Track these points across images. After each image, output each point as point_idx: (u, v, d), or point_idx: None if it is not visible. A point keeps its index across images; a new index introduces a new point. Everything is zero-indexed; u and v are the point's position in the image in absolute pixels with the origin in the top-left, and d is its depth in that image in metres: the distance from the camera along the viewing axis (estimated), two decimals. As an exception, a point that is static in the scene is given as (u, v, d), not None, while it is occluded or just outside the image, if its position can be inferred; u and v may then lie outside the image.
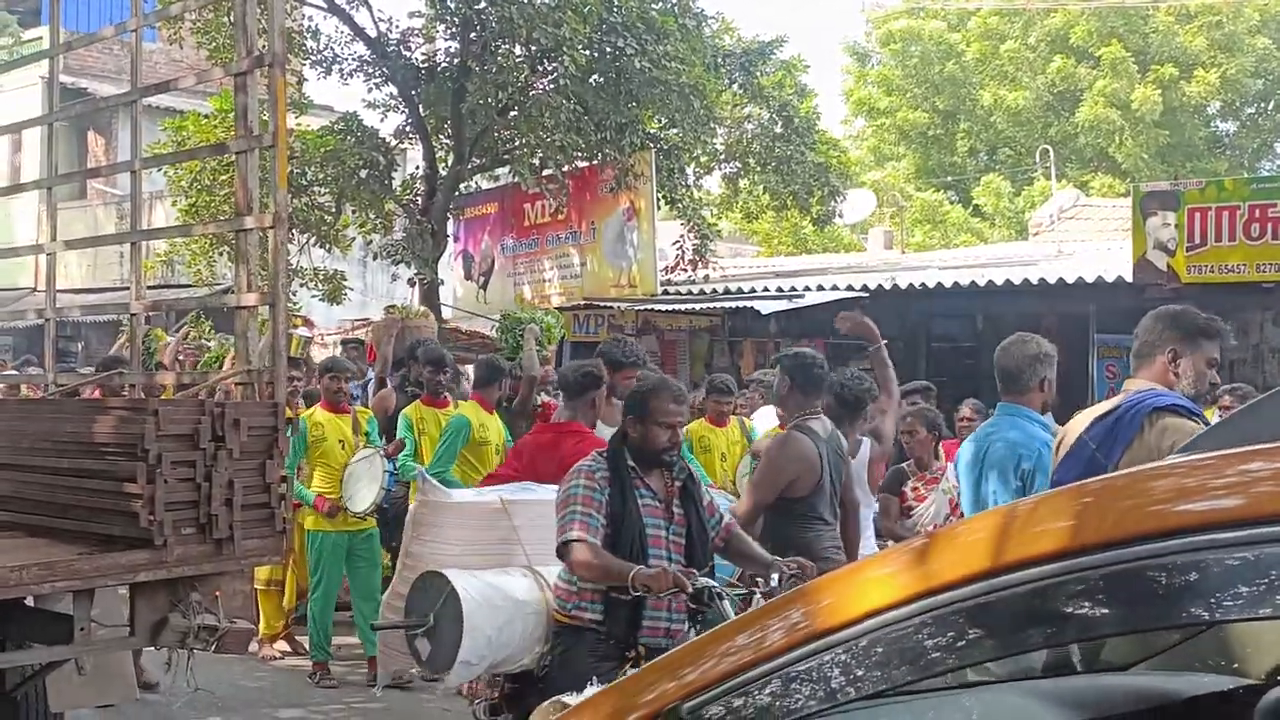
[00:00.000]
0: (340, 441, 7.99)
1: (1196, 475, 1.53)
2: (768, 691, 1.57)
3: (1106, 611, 1.41)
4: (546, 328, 9.71)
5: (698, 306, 13.96)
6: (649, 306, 13.57)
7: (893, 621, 1.50)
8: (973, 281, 11.95)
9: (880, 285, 12.65)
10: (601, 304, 14.05)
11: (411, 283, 15.29)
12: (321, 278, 15.36)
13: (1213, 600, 1.36)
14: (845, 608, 1.58)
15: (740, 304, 12.94)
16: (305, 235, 14.86)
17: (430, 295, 14.63)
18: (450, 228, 15.76)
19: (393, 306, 10.75)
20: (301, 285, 15.05)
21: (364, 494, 7.74)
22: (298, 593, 8.72)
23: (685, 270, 15.06)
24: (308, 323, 10.86)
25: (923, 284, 12.32)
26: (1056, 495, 1.56)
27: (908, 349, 14.04)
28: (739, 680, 1.59)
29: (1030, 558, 1.45)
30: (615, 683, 1.90)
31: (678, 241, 15.16)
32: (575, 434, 5.52)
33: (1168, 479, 1.54)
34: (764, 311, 12.44)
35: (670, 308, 13.97)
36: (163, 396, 6.59)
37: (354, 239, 16.07)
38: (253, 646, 8.32)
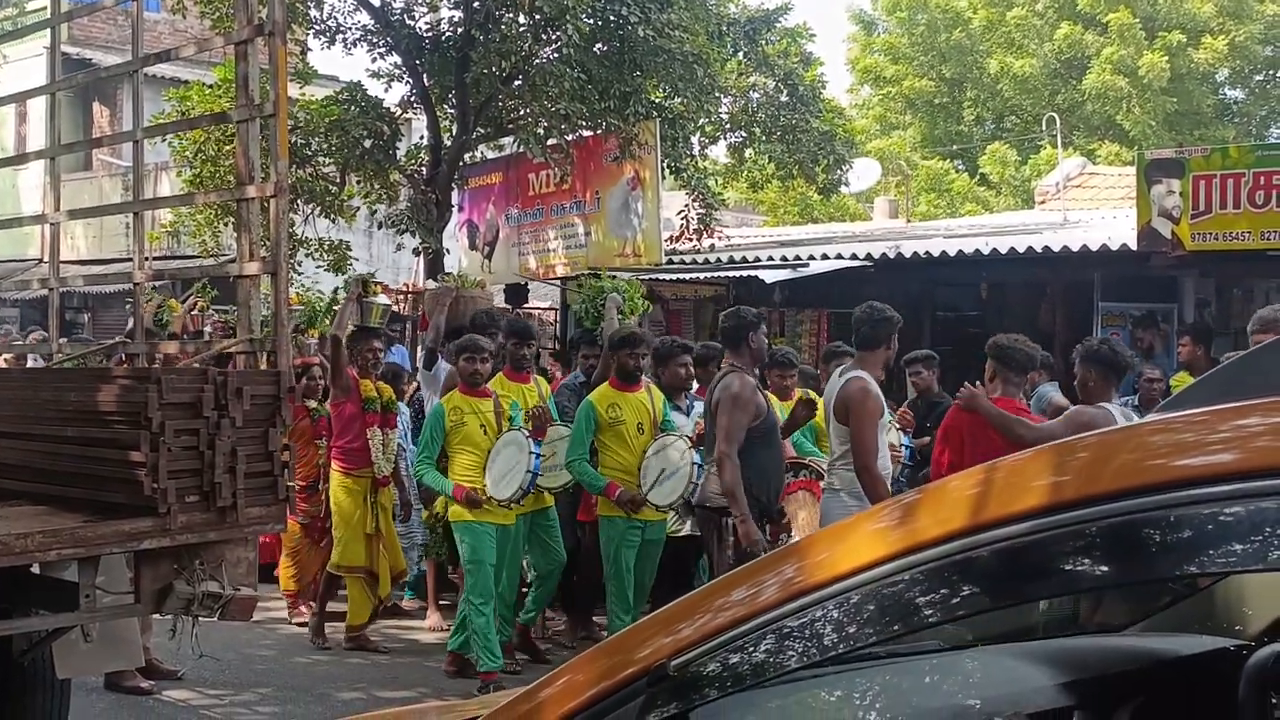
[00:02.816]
0: (482, 426, 7.54)
1: (1194, 429, 1.53)
2: (761, 647, 1.58)
3: (1101, 566, 1.41)
4: (629, 297, 9.49)
5: (703, 276, 13.94)
6: (654, 276, 13.56)
7: (883, 576, 1.51)
8: (977, 250, 11.92)
9: (885, 254, 12.62)
10: (606, 274, 14.02)
11: (416, 252, 15.29)
12: (326, 248, 15.36)
13: (1206, 555, 1.37)
14: (837, 562, 1.59)
15: (745, 273, 12.93)
16: (310, 206, 14.85)
17: (435, 265, 14.63)
18: (455, 198, 15.74)
19: (447, 274, 10.67)
20: (306, 255, 15.05)
21: (508, 479, 7.38)
22: (391, 580, 8.64)
23: (690, 240, 15.04)
24: (386, 289, 10.77)
25: (927, 253, 12.29)
26: (1050, 450, 1.56)
27: (912, 318, 14.00)
28: (732, 634, 1.60)
29: (1022, 511, 1.46)
30: (609, 638, 1.91)
31: (682, 211, 15.13)
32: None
33: (1164, 433, 1.54)
34: (769, 281, 12.42)
35: (675, 277, 13.96)
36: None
37: (358, 209, 16.05)
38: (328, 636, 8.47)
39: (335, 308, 10.09)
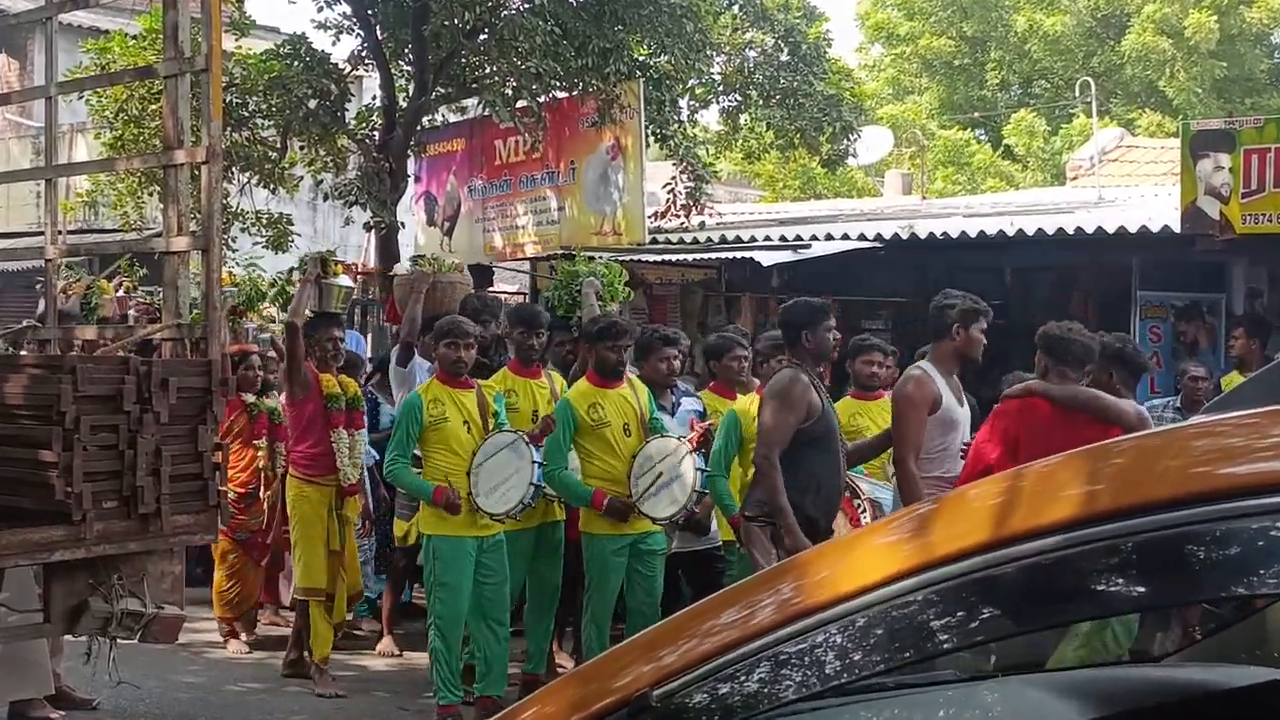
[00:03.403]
0: (465, 422, 7.34)
1: (1244, 433, 1.53)
2: (754, 675, 1.58)
3: (1138, 586, 1.41)
4: (608, 282, 9.38)
5: (691, 257, 13.93)
6: (636, 257, 13.54)
7: (893, 596, 1.51)
8: (1001, 231, 11.93)
9: (897, 235, 12.63)
10: (583, 255, 14.01)
11: (367, 228, 15.24)
12: (265, 222, 15.29)
13: (1257, 575, 1.36)
14: (841, 580, 1.58)
15: (739, 255, 12.92)
16: (246, 174, 14.78)
17: (388, 243, 14.59)
18: (411, 166, 15.69)
19: (420, 258, 10.49)
20: (242, 230, 14.98)
21: (507, 490, 7.14)
22: (344, 596, 8.51)
23: (677, 216, 15.01)
24: (349, 270, 10.57)
25: (945, 234, 12.31)
26: (1082, 455, 1.57)
27: (926, 308, 14.02)
28: (721, 661, 1.60)
29: (1051, 524, 1.46)
30: (584, 665, 1.91)
31: (669, 184, 15.10)
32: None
33: (1211, 437, 1.55)
34: (766, 264, 12.42)
35: (660, 259, 13.96)
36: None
37: (302, 178, 15.96)
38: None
39: (290, 289, 10.08)
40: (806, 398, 6.40)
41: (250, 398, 8.95)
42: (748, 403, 7.46)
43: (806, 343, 6.55)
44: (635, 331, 8.20)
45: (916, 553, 1.55)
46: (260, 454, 8.89)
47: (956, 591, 1.48)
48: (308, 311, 8.48)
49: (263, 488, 8.85)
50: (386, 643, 9.01)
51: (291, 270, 11.02)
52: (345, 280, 9.15)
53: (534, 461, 7.13)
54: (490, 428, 7.40)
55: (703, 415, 7.90)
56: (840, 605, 1.56)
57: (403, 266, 10.60)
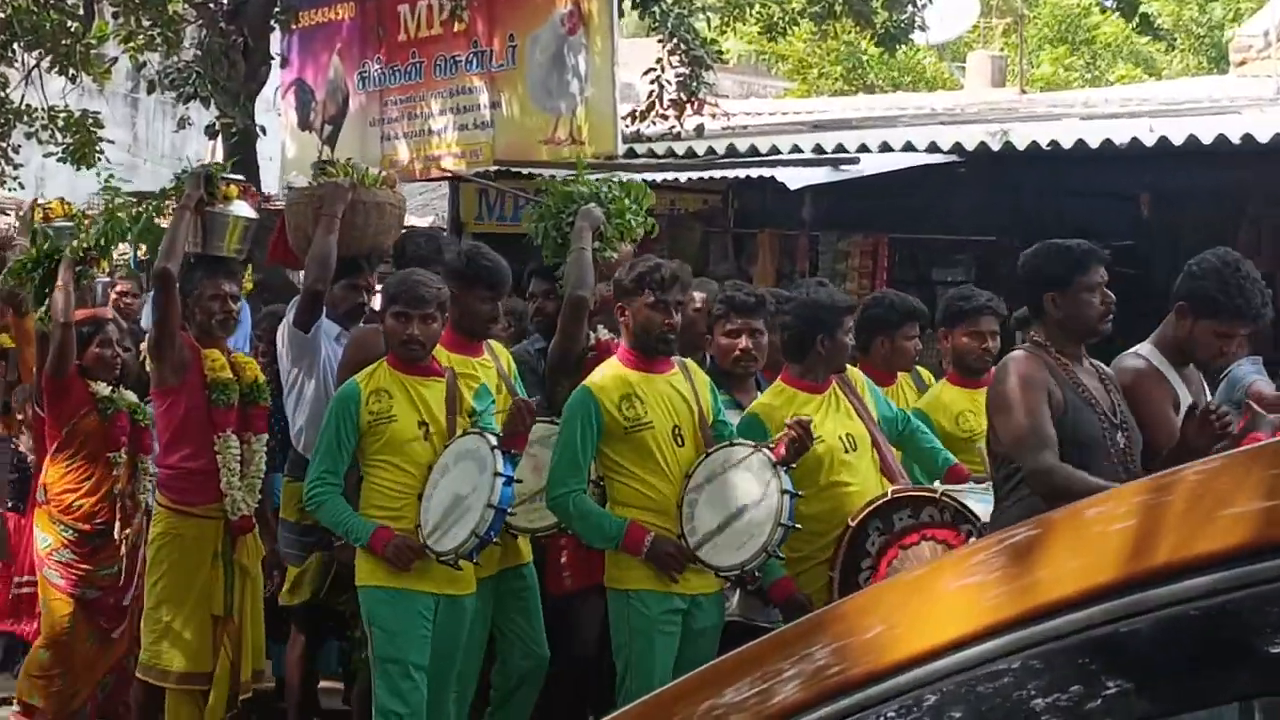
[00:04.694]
0: (423, 424, 7.22)
1: None
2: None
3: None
4: (617, 210, 8.96)
5: (684, 177, 13.91)
6: (605, 176, 13.54)
7: (976, 663, 1.51)
8: (1135, 140, 11.96)
9: (984, 145, 12.64)
10: (525, 171, 13.99)
11: (211, 132, 15.18)
12: (63, 123, 15.21)
13: None
14: (902, 640, 1.59)
15: (755, 173, 12.90)
16: (34, 53, 14.70)
17: (241, 152, 14.49)
18: (275, 44, 15.66)
19: (327, 163, 10.12)
20: (29, 135, 14.91)
21: (455, 519, 6.95)
22: (237, 685, 8.35)
23: (664, 118, 15.01)
24: (249, 192, 9.90)
25: (1053, 143, 12.33)
26: (1253, 456, 1.56)
27: (1028, 247, 14.01)
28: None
29: (1210, 555, 1.46)
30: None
31: (653, 71, 15.09)
32: None
33: None
34: (794, 186, 12.40)
35: (639, 178, 13.95)
36: None
37: (115, 60, 15.88)
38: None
39: (153, 219, 9.73)
40: (1051, 384, 6.17)
41: (103, 388, 8.71)
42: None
43: (1054, 308, 6.22)
44: (712, 288, 8.02)
45: (1010, 599, 1.56)
46: (117, 472, 8.65)
47: (1069, 655, 1.49)
48: (187, 251, 8.26)
49: (119, 522, 8.65)
50: None
51: (166, 189, 10.56)
52: (243, 208, 8.80)
53: (497, 473, 6.84)
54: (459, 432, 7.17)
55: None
56: (898, 677, 1.56)
57: (297, 179, 10.18)
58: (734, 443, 7.02)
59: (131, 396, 8.67)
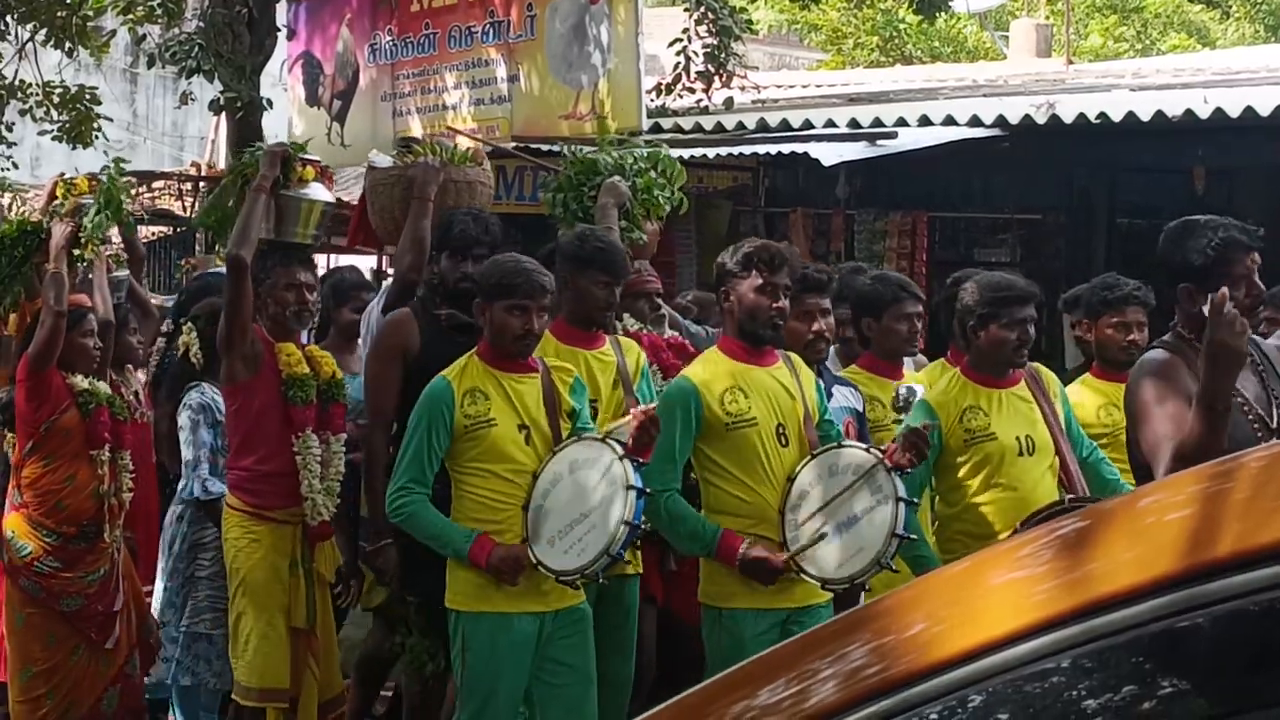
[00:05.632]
0: (523, 428, 6.88)
1: None
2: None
3: None
4: (644, 185, 8.84)
5: (713, 153, 13.94)
6: (629, 151, 13.57)
7: (1026, 660, 1.50)
8: (1189, 111, 11.94)
9: (1029, 118, 12.63)
10: (546, 147, 14.01)
11: (215, 108, 15.23)
12: (58, 99, 15.27)
13: None
14: (948, 636, 1.59)
15: (787, 149, 12.93)
16: (29, 26, 14.76)
17: (246, 129, 14.53)
18: (282, 14, 15.71)
19: (413, 140, 9.90)
20: (23, 112, 14.98)
21: (579, 535, 6.62)
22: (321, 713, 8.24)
23: (691, 91, 15.05)
24: (325, 174, 9.56)
25: (1102, 116, 12.31)
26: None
27: (1076, 225, 14.05)
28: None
29: (1274, 546, 1.45)
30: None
31: (679, 41, 15.12)
32: None
33: None
34: (828, 162, 12.43)
35: (665, 153, 13.99)
36: None
37: (114, 33, 15.93)
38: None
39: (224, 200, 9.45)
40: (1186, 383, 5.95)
41: (82, 381, 8.61)
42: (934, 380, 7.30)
43: (1189, 301, 5.71)
44: (831, 280, 7.83)
45: (1061, 593, 1.55)
46: (101, 471, 8.57)
47: (1123, 653, 1.48)
48: (260, 238, 8.05)
49: (107, 524, 8.57)
50: None
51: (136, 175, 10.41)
52: (320, 191, 8.58)
53: (630, 486, 6.47)
54: (565, 433, 6.86)
55: (859, 414, 7.58)
56: (941, 676, 1.56)
57: (379, 158, 9.79)
58: (843, 445, 6.77)
59: (107, 389, 8.55)
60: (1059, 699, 1.49)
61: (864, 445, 6.72)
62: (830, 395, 7.29)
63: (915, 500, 6.52)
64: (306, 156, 8.40)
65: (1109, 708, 1.48)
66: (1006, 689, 1.52)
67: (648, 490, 6.50)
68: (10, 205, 10.98)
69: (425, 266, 7.98)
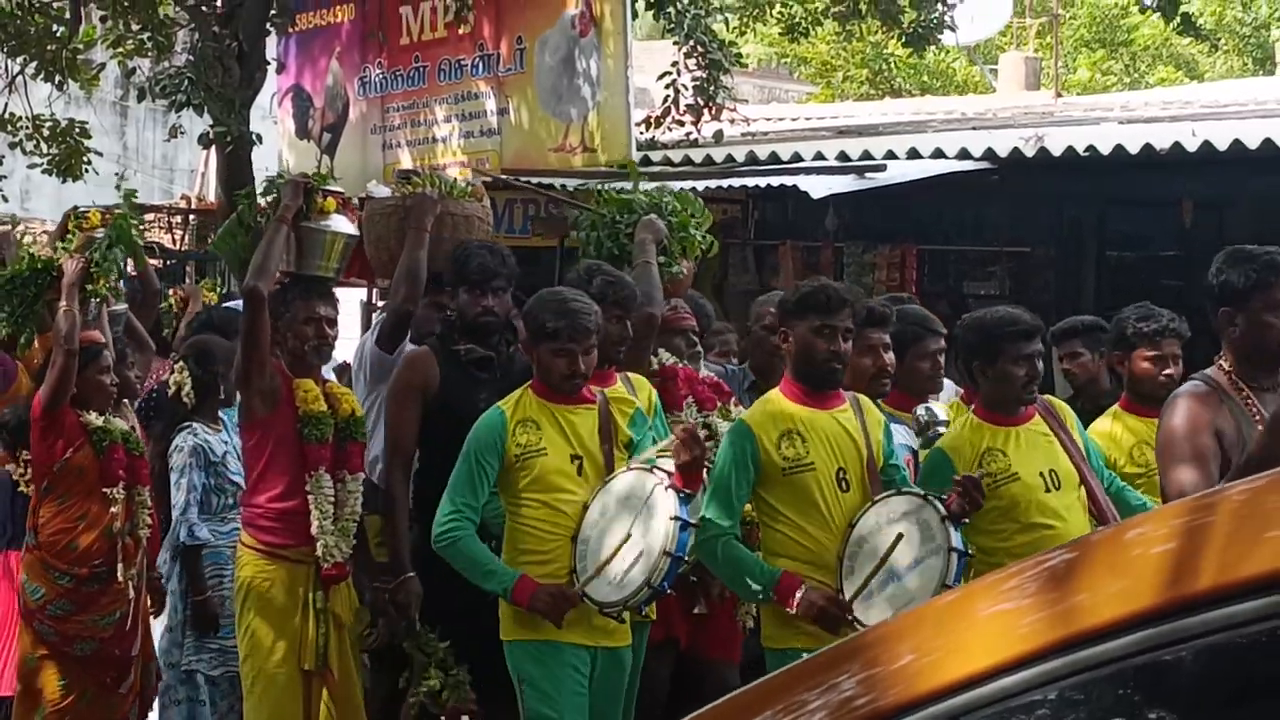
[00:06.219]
0: (576, 459, 6.88)
1: None
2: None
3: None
4: (680, 223, 8.74)
5: (703, 185, 13.92)
6: (619, 186, 13.56)
7: (1013, 692, 1.50)
8: (1177, 144, 11.94)
9: (1018, 150, 12.63)
10: (535, 181, 13.99)
11: (205, 142, 15.20)
12: (48, 133, 15.24)
13: None
14: (937, 667, 1.59)
15: (776, 181, 12.92)
16: (19, 59, 14.74)
17: (236, 163, 14.51)
18: (271, 48, 15.71)
19: (412, 172, 9.72)
20: (12, 146, 14.92)
21: (626, 565, 6.59)
22: None
23: (680, 124, 15.02)
24: (347, 206, 9.34)
25: (1091, 149, 12.30)
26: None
27: (1065, 258, 14.04)
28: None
29: (1258, 578, 1.45)
30: None
31: (669, 74, 15.10)
32: None
33: None
34: (817, 195, 12.41)
35: (654, 187, 13.96)
36: None
37: (103, 66, 15.88)
38: None
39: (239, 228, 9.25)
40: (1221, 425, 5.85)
41: (96, 419, 8.49)
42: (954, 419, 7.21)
43: (1231, 326, 5.72)
44: (891, 314, 7.70)
45: (1048, 625, 1.56)
46: (115, 509, 8.45)
47: (1109, 684, 1.48)
48: (279, 271, 7.89)
49: (121, 563, 8.45)
50: None
51: (243, 201, 9.96)
52: (343, 223, 8.42)
53: (674, 517, 6.45)
54: (619, 464, 6.82)
55: (915, 451, 7.41)
56: (930, 707, 1.56)
57: (377, 189, 9.68)
58: (903, 491, 6.63)
59: (122, 424, 8.46)
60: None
61: (923, 493, 6.53)
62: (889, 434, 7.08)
63: (970, 552, 6.36)
64: (329, 188, 8.28)
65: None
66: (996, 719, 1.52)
67: (693, 522, 6.42)
68: (22, 237, 10.87)
69: (419, 297, 7.98)
